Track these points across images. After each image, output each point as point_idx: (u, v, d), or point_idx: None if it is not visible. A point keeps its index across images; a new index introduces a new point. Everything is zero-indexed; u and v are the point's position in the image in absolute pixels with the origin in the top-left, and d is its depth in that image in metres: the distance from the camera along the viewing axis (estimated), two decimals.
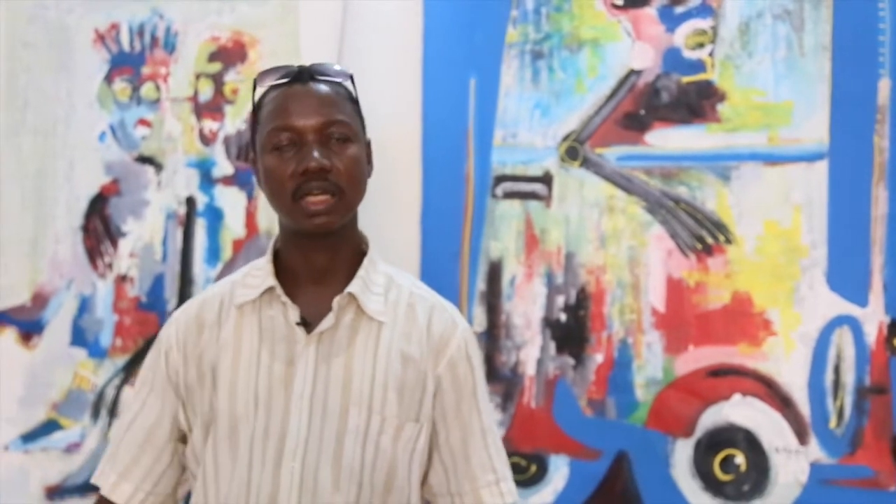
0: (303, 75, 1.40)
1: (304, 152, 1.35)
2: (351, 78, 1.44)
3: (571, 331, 1.80)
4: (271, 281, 1.40)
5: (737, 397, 1.71)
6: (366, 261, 1.43)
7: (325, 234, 1.38)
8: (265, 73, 1.42)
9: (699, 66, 1.75)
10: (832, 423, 1.66)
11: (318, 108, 1.37)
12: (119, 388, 2.02)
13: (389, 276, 1.46)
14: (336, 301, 1.38)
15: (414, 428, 1.40)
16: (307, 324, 1.39)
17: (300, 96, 1.38)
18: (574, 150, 1.81)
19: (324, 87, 1.40)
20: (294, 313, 1.39)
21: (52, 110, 2.08)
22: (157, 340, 1.48)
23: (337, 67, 1.43)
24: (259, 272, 1.44)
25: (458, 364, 1.43)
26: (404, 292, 1.45)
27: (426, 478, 1.45)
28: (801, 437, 1.67)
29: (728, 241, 1.72)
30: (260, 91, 1.43)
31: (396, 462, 1.39)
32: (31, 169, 2.09)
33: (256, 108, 1.43)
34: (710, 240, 1.73)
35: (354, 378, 1.37)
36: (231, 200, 1.99)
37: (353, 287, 1.39)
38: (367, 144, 1.45)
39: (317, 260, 1.41)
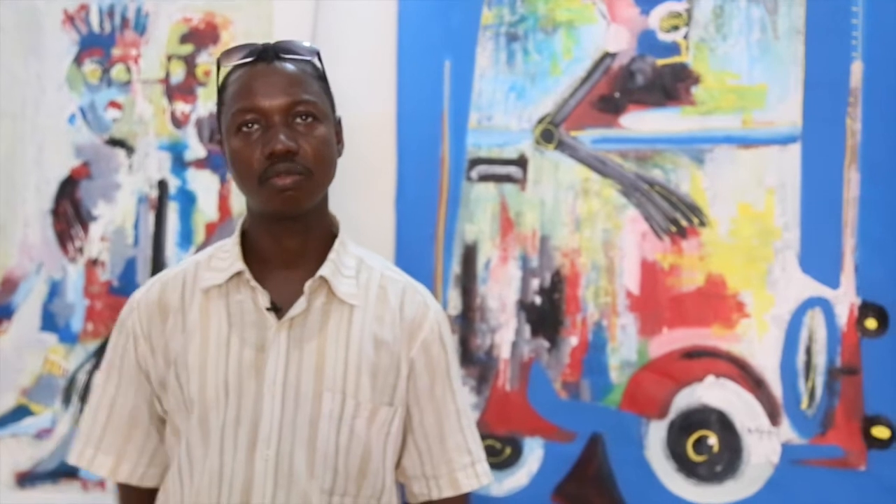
0: (267, 54, 1.36)
1: (270, 134, 1.32)
2: (318, 54, 1.40)
3: (546, 314, 1.80)
4: (239, 265, 1.38)
5: (710, 379, 1.72)
6: (336, 243, 1.41)
7: (294, 217, 1.35)
8: (229, 52, 1.38)
9: (674, 48, 1.75)
10: (804, 403, 1.67)
11: (283, 87, 1.33)
12: (90, 374, 2.00)
13: (360, 258, 1.44)
14: (307, 285, 1.36)
15: (388, 412, 1.39)
16: (277, 308, 1.37)
17: (265, 75, 1.34)
18: (549, 133, 1.81)
19: (289, 66, 1.36)
20: (264, 298, 1.36)
21: (21, 93, 2.05)
22: (119, 323, 1.45)
23: (304, 44, 1.39)
24: (226, 255, 1.41)
25: (431, 346, 1.42)
26: (375, 275, 1.43)
27: (399, 461, 1.45)
28: (773, 417, 1.68)
29: (702, 223, 1.73)
30: (224, 71, 1.39)
31: (371, 446, 1.38)
32: (0, 152, 2.06)
33: (221, 88, 1.39)
34: (684, 222, 1.74)
35: (327, 362, 1.36)
36: (204, 183, 1.98)
37: (325, 270, 1.37)
38: (338, 122, 1.42)
39: (287, 243, 1.38)
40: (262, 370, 1.35)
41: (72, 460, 1.46)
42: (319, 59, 1.41)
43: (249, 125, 1.33)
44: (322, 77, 1.40)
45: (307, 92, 1.35)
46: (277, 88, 1.33)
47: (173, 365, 1.39)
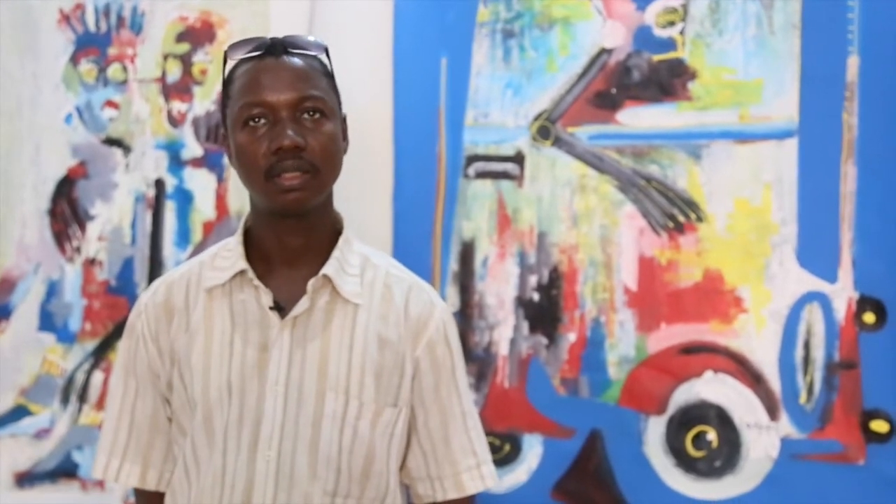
0: (276, 48, 1.35)
1: (277, 129, 1.30)
2: (326, 51, 1.39)
3: (544, 310, 1.80)
4: (242, 264, 1.37)
5: (708, 374, 1.72)
6: (341, 241, 1.40)
7: (299, 214, 1.34)
8: (236, 46, 1.37)
9: (670, 44, 1.75)
10: (802, 398, 1.67)
11: (291, 82, 1.32)
12: (89, 373, 2.00)
13: (365, 256, 1.42)
14: (311, 284, 1.35)
15: (392, 412, 1.38)
16: (280, 308, 1.36)
17: (273, 70, 1.33)
18: (546, 130, 1.81)
19: (298, 61, 1.35)
20: (267, 297, 1.35)
21: (17, 92, 2.05)
22: (129, 327, 1.44)
23: (311, 39, 1.38)
24: (229, 254, 1.40)
25: (436, 346, 1.41)
26: (380, 273, 1.42)
27: (404, 462, 1.44)
28: (772, 412, 1.68)
29: (699, 219, 1.73)
30: (230, 64, 1.38)
31: (374, 447, 1.37)
32: None
33: (227, 82, 1.38)
34: (681, 218, 1.74)
35: (331, 363, 1.35)
36: (201, 182, 1.97)
37: (328, 269, 1.36)
38: (343, 120, 1.41)
39: (291, 241, 1.37)
40: (265, 370, 1.34)
41: (97, 474, 1.44)
42: (327, 55, 1.40)
43: (256, 119, 1.32)
44: (329, 73, 1.39)
45: (315, 87, 1.34)
46: (285, 83, 1.32)
47: (177, 365, 1.38)
